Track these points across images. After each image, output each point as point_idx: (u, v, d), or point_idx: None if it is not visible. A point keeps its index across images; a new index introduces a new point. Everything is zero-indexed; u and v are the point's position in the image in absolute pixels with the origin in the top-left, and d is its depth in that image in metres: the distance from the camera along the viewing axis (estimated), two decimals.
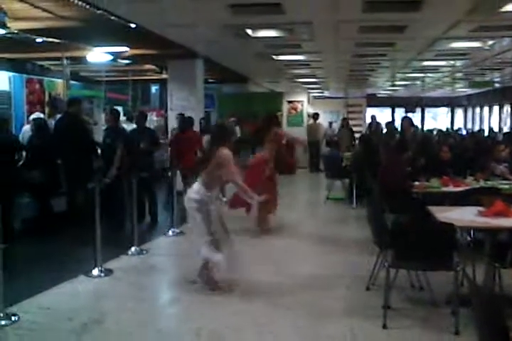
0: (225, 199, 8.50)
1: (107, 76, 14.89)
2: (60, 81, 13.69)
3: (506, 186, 7.02)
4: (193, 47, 11.04)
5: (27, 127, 9.88)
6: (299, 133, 17.08)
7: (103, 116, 10.04)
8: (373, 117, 19.50)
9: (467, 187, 6.88)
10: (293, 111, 18.96)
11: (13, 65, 12.92)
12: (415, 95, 28.03)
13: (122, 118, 11.60)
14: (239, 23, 8.66)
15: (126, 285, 5.67)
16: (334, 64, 14.35)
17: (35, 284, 5.46)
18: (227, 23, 8.54)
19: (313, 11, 7.86)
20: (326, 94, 25.72)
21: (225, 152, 5.35)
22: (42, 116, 10.74)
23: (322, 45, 10.93)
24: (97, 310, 4.93)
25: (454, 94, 28.73)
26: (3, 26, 7.94)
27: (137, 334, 4.37)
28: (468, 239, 5.48)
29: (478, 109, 28.59)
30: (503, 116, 23.97)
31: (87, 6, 7.04)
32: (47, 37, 9.33)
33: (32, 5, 7.28)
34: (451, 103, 31.28)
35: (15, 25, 8.32)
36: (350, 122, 21.04)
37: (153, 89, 19.91)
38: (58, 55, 11.29)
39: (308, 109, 19.73)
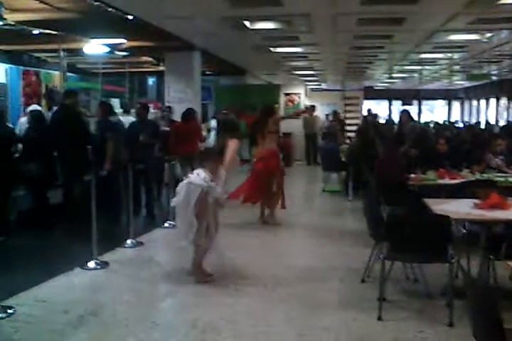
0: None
1: (103, 68, 14.83)
2: (56, 73, 13.66)
3: (502, 179, 7.03)
4: (191, 39, 11.00)
5: (23, 119, 9.85)
6: (297, 125, 17.13)
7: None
8: (369, 110, 19.52)
9: (463, 180, 6.91)
10: (290, 104, 18.94)
11: (9, 57, 12.88)
12: (413, 88, 28.02)
13: (119, 110, 11.57)
14: (237, 15, 8.64)
15: (122, 277, 5.67)
16: (332, 56, 14.32)
17: (31, 277, 5.46)
18: (224, 15, 8.51)
19: (311, 3, 7.83)
20: (324, 86, 25.67)
21: (234, 143, 5.60)
22: (39, 108, 10.70)
23: (320, 37, 10.90)
24: (93, 303, 4.93)
25: (451, 87, 28.71)
26: (0, 18, 7.92)
27: (133, 326, 4.37)
28: (464, 231, 5.49)
29: (475, 102, 28.59)
30: (500, 108, 23.99)
31: None
32: (44, 28, 9.29)
33: None
34: (449, 96, 31.27)
35: (11, 17, 8.29)
36: (348, 115, 21.07)
37: (150, 81, 19.84)
38: (55, 46, 11.24)
39: (305, 101, 19.72)
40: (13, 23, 8.63)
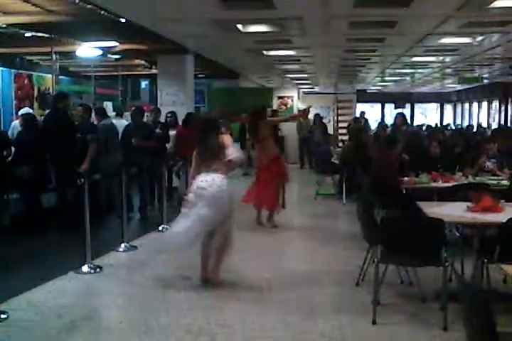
0: None
1: (96, 71, 14.83)
2: (49, 76, 13.63)
3: (494, 182, 7.07)
4: (183, 42, 11.00)
5: (16, 122, 9.82)
6: (291, 128, 17.13)
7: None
8: (362, 113, 19.50)
9: (456, 183, 6.93)
10: (283, 107, 18.95)
11: (1, 60, 12.83)
12: (405, 91, 28.11)
13: (112, 113, 11.54)
14: (229, 18, 8.63)
15: (115, 281, 5.66)
16: (324, 59, 14.34)
17: (25, 281, 5.43)
18: (217, 17, 8.51)
19: (303, 6, 7.84)
20: (316, 89, 25.72)
21: (226, 137, 5.53)
22: (31, 111, 10.66)
23: (312, 40, 10.92)
24: (87, 307, 4.92)
25: (443, 90, 28.84)
26: None
27: (127, 330, 4.36)
28: (457, 234, 5.50)
29: (467, 105, 28.71)
30: (492, 111, 24.10)
31: (77, 1, 7.00)
32: (36, 31, 9.28)
33: None
34: (441, 99, 31.39)
35: (3, 20, 8.28)
36: (340, 118, 21.08)
37: (143, 84, 19.83)
38: (47, 49, 11.22)
39: (298, 104, 19.74)
40: (5, 25, 8.62)
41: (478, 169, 7.71)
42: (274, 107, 18.41)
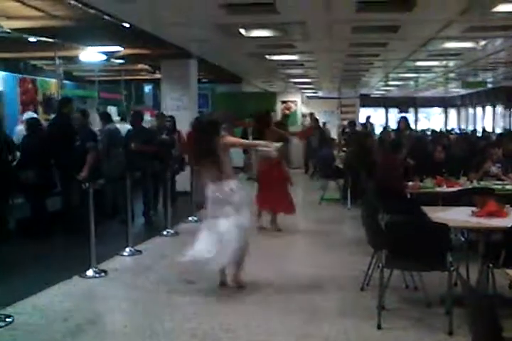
0: None
1: (100, 75, 14.85)
2: (53, 80, 13.65)
3: (499, 186, 7.05)
4: (187, 47, 11.03)
5: (21, 127, 9.84)
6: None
7: (96, 116, 9.98)
8: (368, 118, 19.44)
9: (460, 188, 6.91)
10: (287, 111, 18.95)
11: (5, 65, 12.88)
12: (409, 95, 28.11)
13: (116, 118, 11.58)
14: (232, 23, 8.66)
15: (120, 285, 5.66)
16: (328, 64, 14.37)
17: (30, 285, 5.45)
18: (220, 22, 8.54)
19: (306, 11, 7.86)
20: (320, 94, 25.76)
21: (228, 137, 5.58)
22: (34, 115, 10.68)
23: (315, 45, 10.94)
24: (92, 311, 4.92)
25: (447, 94, 28.84)
26: None
27: (132, 335, 4.37)
28: (462, 239, 5.49)
29: (471, 109, 28.67)
30: (496, 116, 24.07)
31: (80, 6, 7.02)
32: (40, 36, 9.30)
33: (25, 4, 7.26)
34: (445, 103, 31.38)
35: (8, 25, 8.30)
36: (344, 122, 21.05)
37: (147, 88, 19.87)
38: (51, 54, 11.25)
39: (301, 108, 19.75)
40: (9, 30, 8.64)
41: (483, 174, 7.70)
42: (278, 112, 18.40)
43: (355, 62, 14.35)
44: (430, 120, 33.05)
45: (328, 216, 9.81)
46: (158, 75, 14.06)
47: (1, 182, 6.84)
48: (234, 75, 16.94)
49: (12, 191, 7.51)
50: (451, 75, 18.14)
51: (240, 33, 9.44)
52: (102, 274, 5.88)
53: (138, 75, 16.32)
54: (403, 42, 10.63)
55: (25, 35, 9.16)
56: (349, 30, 9.31)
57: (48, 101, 14.09)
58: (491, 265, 4.53)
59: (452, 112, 32.19)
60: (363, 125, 18.65)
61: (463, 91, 26.46)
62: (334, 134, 19.53)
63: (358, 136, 12.80)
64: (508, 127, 21.88)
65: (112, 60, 12.34)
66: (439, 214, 5.06)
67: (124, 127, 9.91)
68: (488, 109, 25.35)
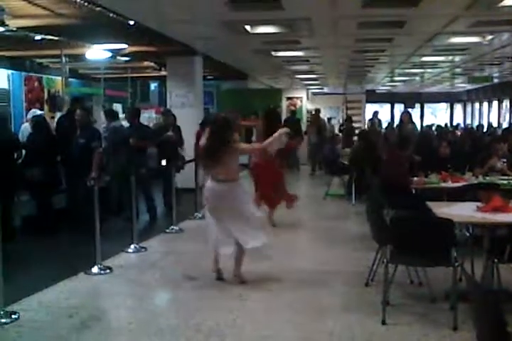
0: None
1: (105, 73, 14.86)
2: (59, 78, 13.67)
3: (505, 182, 7.03)
4: (192, 44, 11.02)
5: (26, 125, 9.88)
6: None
7: (102, 113, 9.98)
8: (375, 113, 19.23)
9: (466, 183, 6.90)
10: (293, 108, 18.93)
11: (11, 63, 12.91)
12: (415, 91, 28.01)
13: (122, 115, 11.58)
14: (237, 19, 8.65)
15: (125, 282, 5.68)
16: (333, 60, 14.33)
17: (36, 282, 5.48)
18: (225, 19, 8.52)
19: (312, 7, 7.84)
20: (325, 90, 25.68)
21: (243, 145, 5.87)
22: (39, 112, 10.70)
23: (321, 41, 10.91)
24: (97, 308, 4.95)
25: (453, 90, 28.71)
26: (2, 24, 7.96)
27: (137, 331, 4.38)
28: (467, 234, 5.48)
29: (477, 105, 28.56)
30: (502, 111, 23.96)
31: (86, 4, 7.03)
32: (46, 34, 9.31)
33: (30, 2, 7.27)
34: (451, 98, 31.25)
35: (14, 23, 8.31)
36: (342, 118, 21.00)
37: (153, 86, 19.88)
38: (57, 52, 11.27)
39: (307, 105, 19.72)
40: (15, 28, 8.65)
41: (489, 169, 7.68)
42: (284, 108, 18.37)
43: (360, 58, 14.30)
44: (436, 116, 32.92)
45: (333, 211, 9.81)
46: (163, 72, 14.06)
47: (6, 180, 6.88)
48: (240, 72, 16.92)
49: (17, 189, 7.55)
50: (457, 70, 18.05)
51: (246, 30, 9.42)
52: (107, 271, 5.91)
53: (143, 73, 16.33)
54: (409, 38, 10.59)
55: (31, 34, 9.17)
56: (355, 26, 9.28)
57: (54, 99, 14.14)
58: (495, 260, 4.53)
59: (458, 108, 32.06)
60: (371, 120, 18.53)
61: (469, 87, 26.33)
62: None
63: (363, 131, 12.80)
64: None
65: (118, 57, 12.34)
66: (444, 210, 5.05)
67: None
68: (495, 104, 25.23)
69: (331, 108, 21.27)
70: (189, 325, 4.45)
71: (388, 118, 28.93)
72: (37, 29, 8.93)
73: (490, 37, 10.64)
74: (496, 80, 20.85)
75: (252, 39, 10.39)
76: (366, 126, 18.76)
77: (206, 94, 14.51)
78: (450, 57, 14.37)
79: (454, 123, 26.79)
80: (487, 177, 7.36)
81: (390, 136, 12.22)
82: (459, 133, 16.72)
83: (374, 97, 26.50)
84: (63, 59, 11.75)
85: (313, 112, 18.08)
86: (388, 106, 31.30)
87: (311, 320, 4.52)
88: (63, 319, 4.58)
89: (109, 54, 11.43)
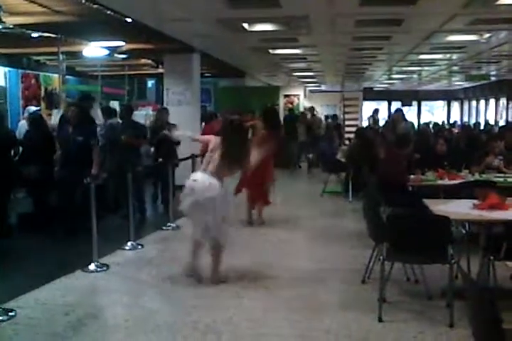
0: None
1: (103, 70, 14.85)
2: (56, 76, 13.67)
3: (501, 179, 7.05)
4: (189, 41, 11.01)
5: (23, 122, 9.86)
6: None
7: (99, 111, 9.94)
8: (376, 111, 19.05)
9: (462, 181, 6.92)
10: (290, 105, 18.96)
11: (8, 60, 12.89)
12: (412, 88, 28.03)
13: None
14: (235, 17, 8.64)
15: (122, 279, 5.69)
16: (331, 57, 14.33)
17: (32, 279, 5.47)
18: (223, 16, 8.51)
19: (309, 5, 7.84)
20: (323, 87, 25.70)
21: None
22: (34, 108, 10.66)
23: (319, 38, 10.91)
24: (94, 305, 4.95)
25: (450, 88, 28.74)
26: None
27: (133, 328, 4.38)
28: (463, 232, 5.50)
29: (474, 102, 28.60)
30: (499, 109, 23.99)
31: (83, 1, 7.02)
32: (43, 31, 9.30)
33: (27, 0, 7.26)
34: (448, 96, 31.28)
35: (10, 20, 8.30)
36: (347, 116, 21.02)
37: (150, 83, 19.86)
38: (54, 49, 11.24)
39: (304, 102, 19.74)
40: (12, 26, 8.64)
41: (485, 167, 7.69)
42: (281, 106, 18.37)
43: (358, 56, 14.32)
44: (433, 113, 32.94)
45: (330, 209, 9.81)
46: (161, 70, 14.05)
47: (3, 177, 6.87)
48: (237, 69, 16.91)
49: (14, 186, 7.54)
50: (455, 68, 18.06)
51: (243, 27, 9.42)
52: (104, 268, 5.90)
53: (141, 70, 16.32)
54: (407, 36, 10.59)
55: (28, 31, 9.16)
56: (352, 24, 9.28)
57: (51, 96, 14.13)
58: (492, 257, 4.55)
59: (455, 105, 32.10)
60: (372, 118, 18.43)
61: (466, 85, 26.37)
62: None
63: (360, 129, 12.81)
64: (510, 120, 21.80)
65: (115, 54, 12.33)
66: (441, 207, 5.07)
67: None
68: (492, 102, 25.26)
69: (328, 106, 21.30)
70: (186, 322, 4.45)
71: (385, 115, 28.92)
72: (34, 26, 8.92)
73: (487, 35, 10.65)
74: (493, 78, 20.88)
75: (249, 37, 10.39)
76: (368, 123, 18.67)
77: (203, 92, 14.53)
78: (447, 55, 14.38)
79: (451, 121, 26.83)
80: (483, 175, 7.37)
81: (387, 133, 12.22)
82: (455, 131, 16.78)
83: (371, 95, 26.54)
84: (60, 56, 11.72)
85: (302, 111, 18.08)
86: (385, 103, 31.30)
87: (308, 318, 4.52)
88: (60, 316, 4.58)
89: (107, 51, 11.43)
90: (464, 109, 30.75)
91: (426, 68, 18.13)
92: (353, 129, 16.60)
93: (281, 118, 17.13)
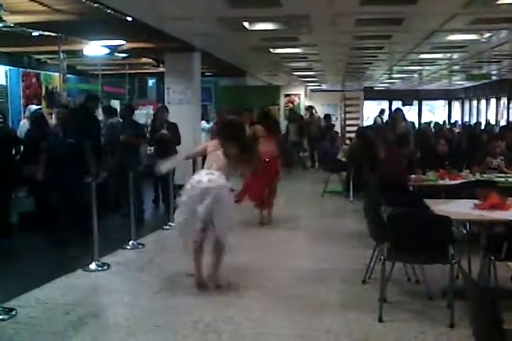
0: None
1: (103, 69, 14.84)
2: (56, 74, 13.65)
3: (502, 179, 7.05)
4: (190, 40, 11.00)
5: (25, 121, 9.86)
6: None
7: (99, 110, 9.94)
8: (382, 111, 18.76)
9: (463, 181, 6.91)
10: (290, 105, 18.94)
11: (9, 59, 12.89)
12: (413, 88, 28.01)
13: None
14: (236, 16, 8.63)
15: (123, 279, 5.69)
16: (331, 57, 14.32)
17: (33, 278, 5.47)
18: (223, 15, 8.51)
19: (310, 4, 7.83)
20: (324, 87, 25.68)
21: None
22: (35, 107, 10.65)
23: (319, 38, 10.90)
24: (95, 304, 4.95)
25: (451, 87, 28.72)
26: (0, 20, 7.93)
27: (134, 327, 4.38)
28: (464, 232, 5.49)
29: (475, 102, 28.57)
30: (500, 108, 23.97)
31: (84, 0, 7.02)
32: (43, 30, 9.29)
33: None
34: (449, 96, 31.26)
35: (11, 19, 8.29)
36: (348, 115, 20.99)
37: (150, 82, 19.84)
38: (55, 48, 11.23)
39: (305, 102, 19.72)
40: (12, 24, 8.63)
41: (486, 167, 7.69)
42: (282, 105, 18.35)
43: (359, 55, 14.31)
44: (434, 113, 32.92)
45: (331, 208, 9.82)
46: (161, 69, 14.04)
47: (4, 176, 6.86)
48: (238, 69, 16.89)
49: (15, 185, 7.53)
50: (456, 68, 18.05)
51: (244, 27, 9.41)
52: (105, 267, 5.91)
53: (141, 69, 16.30)
54: (407, 35, 10.59)
55: (28, 30, 9.15)
56: (353, 23, 9.27)
57: (51, 95, 14.12)
58: (492, 258, 4.55)
59: (456, 105, 32.07)
60: (379, 118, 18.27)
61: (467, 84, 26.35)
62: (337, 128, 19.44)
63: (361, 129, 12.81)
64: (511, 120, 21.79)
65: (116, 53, 12.32)
66: (442, 207, 5.07)
67: None
68: (492, 101, 25.23)
69: (329, 105, 21.27)
70: (186, 321, 4.45)
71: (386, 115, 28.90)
72: (35, 25, 8.91)
73: (488, 34, 10.65)
74: (493, 78, 20.85)
75: (250, 36, 10.38)
76: (374, 122, 18.56)
77: (204, 91, 14.49)
78: (448, 55, 14.37)
79: (452, 121, 26.80)
80: (484, 175, 7.37)
81: (387, 133, 12.20)
82: (456, 131, 16.76)
83: (372, 94, 26.51)
84: (61, 55, 11.71)
85: (308, 109, 18.01)
86: (386, 103, 31.28)
87: (308, 318, 4.52)
88: (60, 315, 4.58)
89: (107, 50, 11.41)
90: (465, 109, 30.71)
91: (426, 67, 18.11)
92: (354, 129, 16.56)
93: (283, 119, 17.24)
